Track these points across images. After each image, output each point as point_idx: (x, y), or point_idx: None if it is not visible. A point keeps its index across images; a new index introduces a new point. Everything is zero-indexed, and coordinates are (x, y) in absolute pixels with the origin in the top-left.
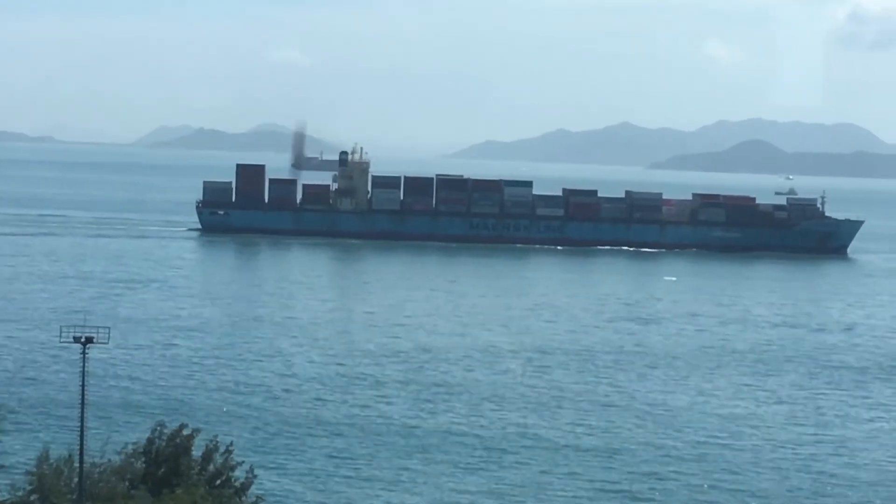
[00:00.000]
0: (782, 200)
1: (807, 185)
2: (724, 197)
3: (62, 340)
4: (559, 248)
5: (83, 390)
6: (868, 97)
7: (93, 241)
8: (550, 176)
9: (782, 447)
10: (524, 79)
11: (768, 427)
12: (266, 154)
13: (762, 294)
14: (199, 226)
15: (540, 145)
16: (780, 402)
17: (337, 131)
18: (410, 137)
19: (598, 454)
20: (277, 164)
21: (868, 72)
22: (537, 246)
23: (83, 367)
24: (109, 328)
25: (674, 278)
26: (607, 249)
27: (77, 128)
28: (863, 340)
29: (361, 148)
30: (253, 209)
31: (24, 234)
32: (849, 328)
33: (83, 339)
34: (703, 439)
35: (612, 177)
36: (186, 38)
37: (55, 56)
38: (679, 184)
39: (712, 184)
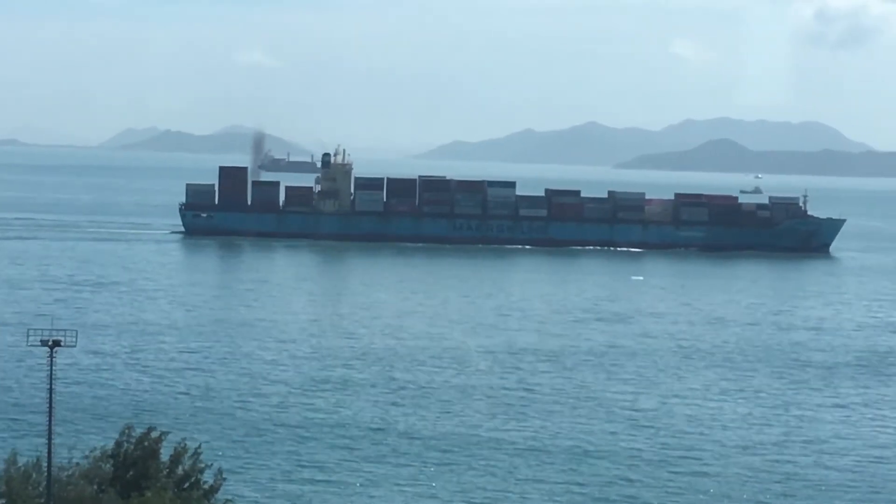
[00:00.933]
0: (762, 199)
1: (775, 184)
2: (707, 196)
3: (29, 344)
4: (530, 247)
5: (50, 394)
6: (835, 96)
7: (78, 245)
8: (519, 175)
9: (752, 447)
10: (491, 79)
11: (738, 427)
12: (233, 156)
13: (735, 293)
14: (182, 228)
15: (507, 145)
16: (749, 402)
17: (303, 133)
18: (378, 138)
19: (567, 456)
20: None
21: (835, 70)
22: (520, 247)
23: (50, 370)
24: (77, 331)
25: (640, 277)
26: (590, 250)
27: (43, 130)
28: (834, 338)
29: (344, 150)
30: (236, 211)
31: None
32: (820, 326)
33: (50, 343)
34: (671, 440)
35: (579, 176)
36: (153, 40)
37: (20, 58)
38: (647, 183)
39: (680, 183)
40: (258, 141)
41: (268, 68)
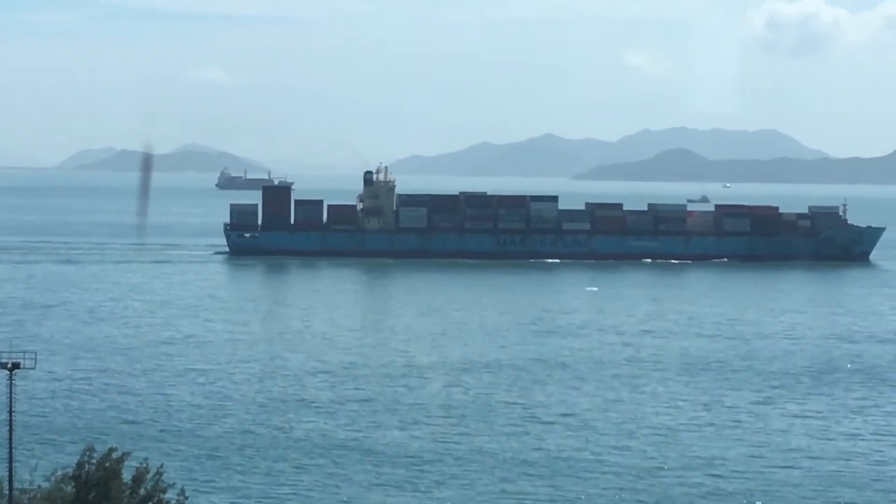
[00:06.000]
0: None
1: (734, 193)
2: (748, 207)
3: None
4: (573, 261)
5: (10, 416)
6: (790, 103)
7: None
8: (477, 188)
9: (718, 461)
10: (446, 94)
11: (702, 440)
12: (190, 174)
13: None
14: (227, 248)
15: (464, 159)
16: (712, 412)
17: (260, 150)
18: (335, 154)
19: (535, 468)
20: (202, 184)
21: (789, 78)
22: (564, 261)
23: (10, 393)
24: (36, 353)
25: (595, 288)
26: (633, 262)
27: None
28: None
29: (386, 167)
30: (280, 230)
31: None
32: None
33: (10, 365)
34: (637, 452)
35: (534, 189)
36: (108, 59)
37: None
38: (600, 194)
39: (634, 193)
40: (147, 163)
41: (224, 86)
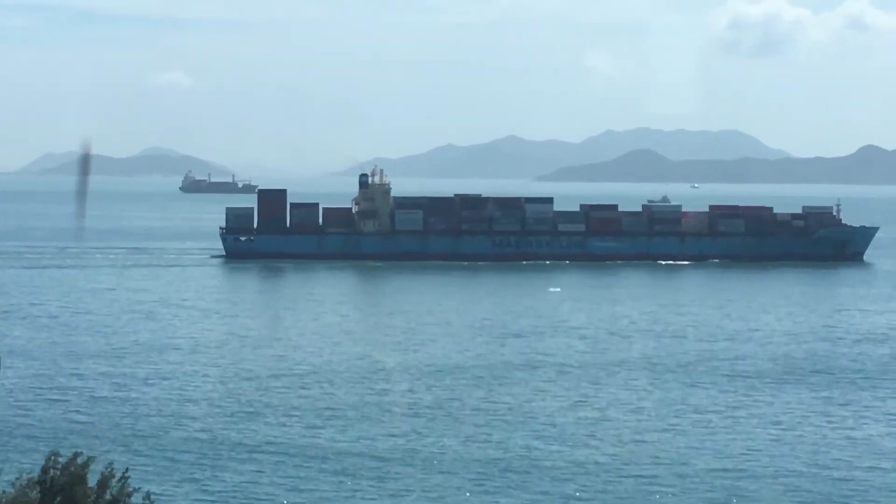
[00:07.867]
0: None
1: (702, 193)
2: (742, 207)
3: None
4: (569, 262)
5: None
6: (752, 103)
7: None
8: (438, 190)
9: (685, 462)
10: (409, 96)
11: (669, 441)
12: (154, 178)
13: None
14: (223, 252)
15: (428, 161)
16: (680, 414)
17: (223, 154)
18: (298, 157)
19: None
20: (165, 188)
21: (751, 78)
22: (561, 262)
23: None
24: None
25: (558, 289)
26: (627, 264)
27: None
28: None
29: (381, 170)
30: (276, 234)
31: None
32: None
33: None
34: (601, 455)
35: (492, 190)
36: (68, 64)
37: None
38: (569, 195)
39: (594, 194)
40: (85, 161)
41: (186, 89)
